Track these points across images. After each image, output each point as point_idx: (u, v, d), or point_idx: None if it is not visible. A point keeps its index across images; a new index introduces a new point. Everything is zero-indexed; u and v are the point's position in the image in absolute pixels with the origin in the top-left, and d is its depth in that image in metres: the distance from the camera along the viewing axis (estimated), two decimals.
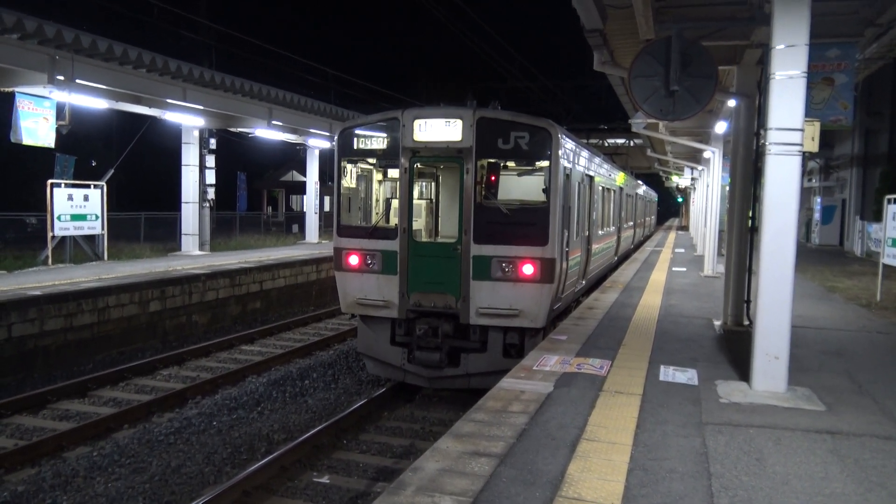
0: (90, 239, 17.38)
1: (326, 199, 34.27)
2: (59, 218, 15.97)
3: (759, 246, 6.17)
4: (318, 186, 26.77)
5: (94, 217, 17.02)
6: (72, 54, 13.79)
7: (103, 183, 17.53)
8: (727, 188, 13.72)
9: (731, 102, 10.25)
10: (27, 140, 14.26)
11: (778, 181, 5.97)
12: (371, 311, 9.96)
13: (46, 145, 14.81)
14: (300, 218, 31.27)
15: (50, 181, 15.95)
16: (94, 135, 35.01)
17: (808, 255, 24.08)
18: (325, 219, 30.25)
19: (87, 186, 17.00)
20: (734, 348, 8.08)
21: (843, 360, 7.77)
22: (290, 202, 55.45)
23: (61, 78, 13.78)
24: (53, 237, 15.98)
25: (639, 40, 8.61)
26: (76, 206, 16.50)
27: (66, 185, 16.45)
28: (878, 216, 21.78)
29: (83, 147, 31.16)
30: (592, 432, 5.01)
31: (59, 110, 14.60)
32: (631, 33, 9.00)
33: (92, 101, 15.64)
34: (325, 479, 7.30)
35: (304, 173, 28.63)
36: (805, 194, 31.24)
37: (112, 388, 10.58)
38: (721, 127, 15.60)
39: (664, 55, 7.42)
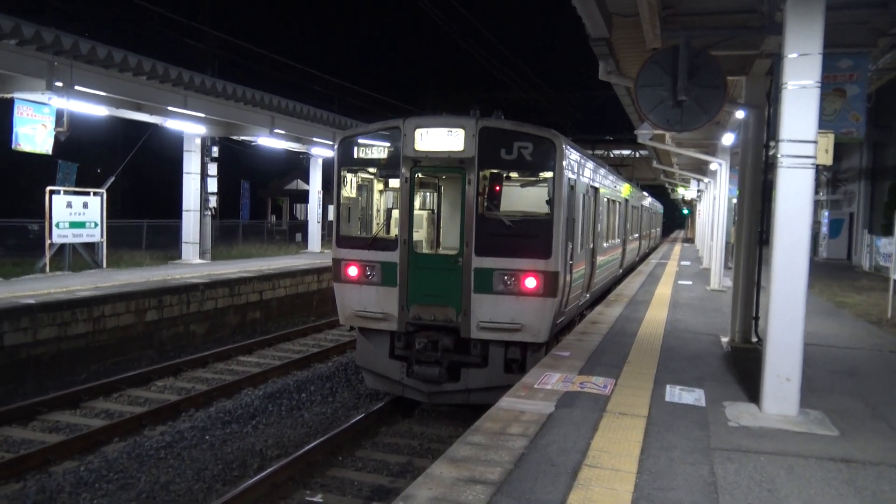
0: (89, 246, 17.20)
1: (330, 208, 34.05)
2: (57, 225, 15.81)
3: (770, 262, 5.92)
4: (321, 195, 26.59)
5: (93, 224, 16.85)
6: (70, 60, 13.64)
7: (103, 190, 17.38)
8: (734, 200, 13.48)
9: (740, 113, 10.03)
10: (25, 146, 14.13)
11: (790, 194, 5.73)
12: (370, 323, 9.74)
13: (44, 152, 14.66)
14: (304, 227, 31.12)
15: (49, 188, 15.80)
16: (98, 142, 34.94)
17: (816, 269, 23.68)
18: (328, 228, 30.00)
19: (87, 194, 16.84)
20: (742, 367, 7.82)
21: (856, 380, 7.51)
22: (295, 211, 55.31)
23: (60, 84, 13.62)
24: (52, 245, 15.82)
25: (645, 49, 8.40)
26: (75, 214, 16.32)
27: (66, 193, 16.30)
28: (886, 230, 21.51)
29: (88, 154, 31.12)
30: (595, 458, 4.76)
31: (58, 117, 14.45)
32: (637, 42, 8.79)
33: (91, 108, 15.50)
34: (318, 499, 7.06)
35: (308, 182, 28.44)
36: (812, 207, 30.94)
37: (105, 400, 10.36)
38: (728, 139, 15.36)
39: (671, 64, 7.23)
